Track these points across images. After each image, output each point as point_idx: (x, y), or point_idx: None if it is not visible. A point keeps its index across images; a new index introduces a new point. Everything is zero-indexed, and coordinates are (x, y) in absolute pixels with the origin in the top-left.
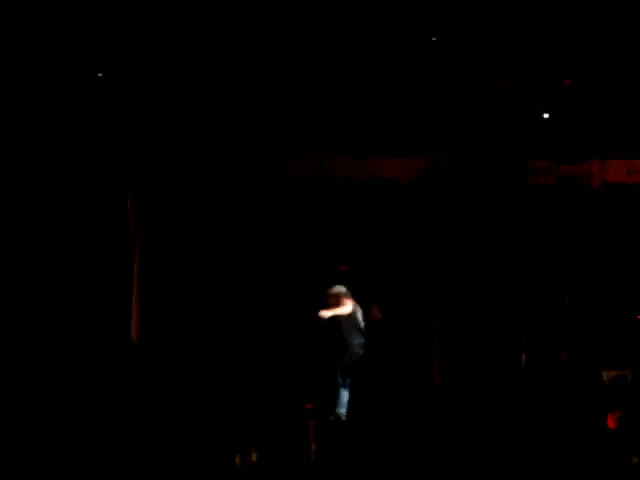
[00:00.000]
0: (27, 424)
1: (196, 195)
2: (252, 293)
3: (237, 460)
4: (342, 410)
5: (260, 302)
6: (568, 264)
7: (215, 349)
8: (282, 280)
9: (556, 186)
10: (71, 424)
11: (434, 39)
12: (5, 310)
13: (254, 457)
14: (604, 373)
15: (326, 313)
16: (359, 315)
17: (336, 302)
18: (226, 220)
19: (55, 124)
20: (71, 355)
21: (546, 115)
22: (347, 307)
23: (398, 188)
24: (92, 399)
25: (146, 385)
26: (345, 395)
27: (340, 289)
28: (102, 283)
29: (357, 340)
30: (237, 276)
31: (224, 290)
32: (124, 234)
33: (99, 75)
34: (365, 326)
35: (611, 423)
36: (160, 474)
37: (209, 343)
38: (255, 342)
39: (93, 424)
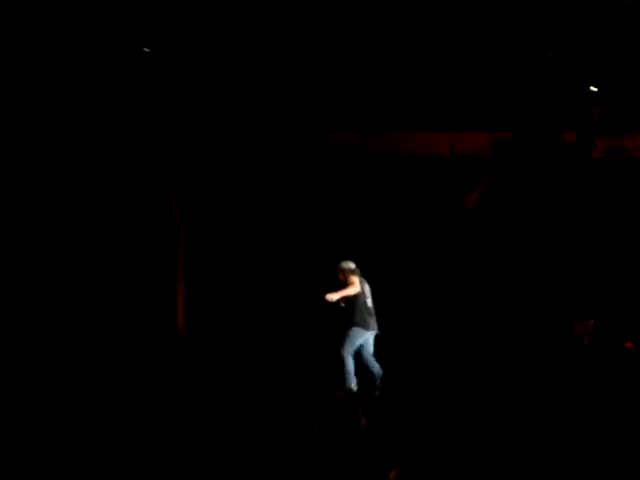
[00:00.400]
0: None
1: (232, 184)
2: (293, 276)
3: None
4: (352, 384)
5: (301, 285)
6: (614, 241)
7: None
8: (324, 262)
9: (602, 160)
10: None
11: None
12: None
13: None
14: None
15: (332, 296)
16: (367, 292)
17: (344, 279)
18: (261, 206)
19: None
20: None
21: (593, 88)
22: (355, 287)
23: (443, 162)
24: (142, 381)
25: (193, 367)
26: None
27: (348, 266)
28: (152, 268)
29: (368, 318)
30: (276, 260)
31: (265, 273)
32: (170, 225)
33: (145, 50)
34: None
35: None
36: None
37: (250, 323)
38: (297, 326)
39: (145, 406)
